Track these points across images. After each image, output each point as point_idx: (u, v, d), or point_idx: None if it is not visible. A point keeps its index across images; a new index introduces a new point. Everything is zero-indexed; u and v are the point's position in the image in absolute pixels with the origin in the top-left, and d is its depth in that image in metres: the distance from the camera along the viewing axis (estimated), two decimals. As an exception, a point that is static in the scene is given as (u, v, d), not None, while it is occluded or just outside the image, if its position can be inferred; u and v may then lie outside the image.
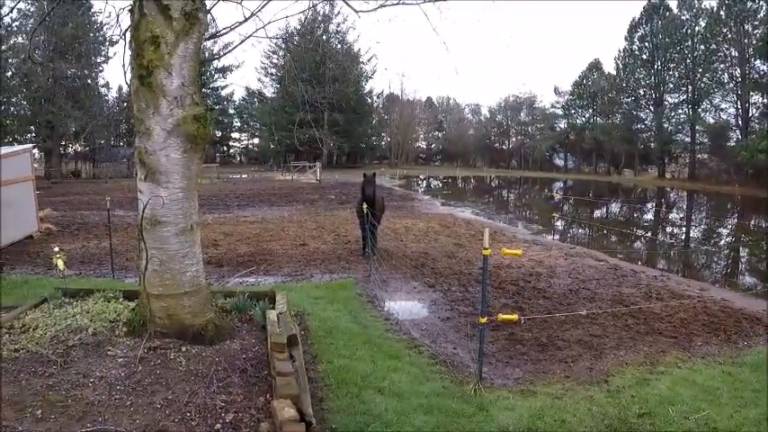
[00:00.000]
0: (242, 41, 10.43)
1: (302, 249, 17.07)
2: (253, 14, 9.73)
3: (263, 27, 10.25)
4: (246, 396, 5.59)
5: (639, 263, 20.15)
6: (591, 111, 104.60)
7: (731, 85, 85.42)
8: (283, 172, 61.77)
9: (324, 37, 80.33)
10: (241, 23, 9.62)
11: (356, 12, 10.68)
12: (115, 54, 61.51)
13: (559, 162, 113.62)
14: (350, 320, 9.61)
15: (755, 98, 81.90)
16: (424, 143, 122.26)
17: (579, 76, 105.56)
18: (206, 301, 7.23)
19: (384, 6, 10.83)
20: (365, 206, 15.42)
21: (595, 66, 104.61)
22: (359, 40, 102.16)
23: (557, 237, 26.49)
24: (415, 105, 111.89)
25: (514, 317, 8.60)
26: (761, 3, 78.19)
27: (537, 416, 6.42)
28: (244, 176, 56.67)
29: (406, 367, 7.66)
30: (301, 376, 6.07)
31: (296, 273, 14.03)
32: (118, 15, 8.56)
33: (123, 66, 7.49)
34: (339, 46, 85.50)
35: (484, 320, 7.52)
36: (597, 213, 41.81)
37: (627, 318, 11.25)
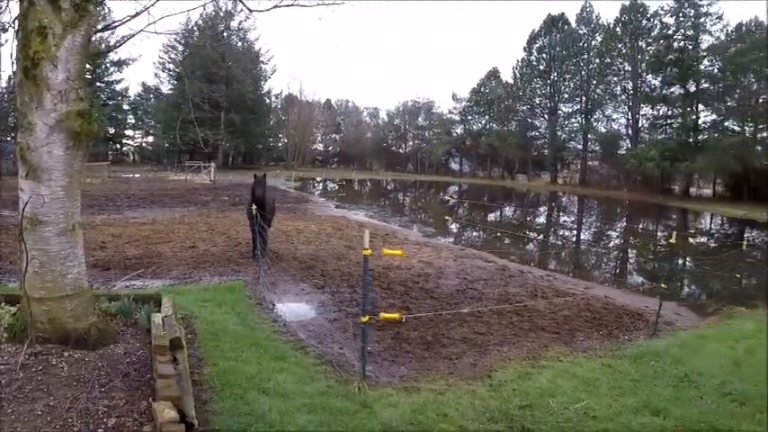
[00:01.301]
0: (131, 36, 10.28)
1: (192, 252, 16.83)
2: (145, 9, 9.56)
3: (153, 23, 10.08)
4: (129, 400, 5.55)
5: (531, 264, 20.98)
6: (487, 117, 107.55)
7: (623, 97, 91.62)
8: (177, 172, 60.25)
9: (225, 34, 79.18)
10: (132, 17, 9.44)
11: (250, 11, 10.69)
12: (6, 41, 58.14)
13: (455, 166, 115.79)
14: (237, 323, 9.58)
15: (645, 110, 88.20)
16: (321, 145, 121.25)
17: (477, 84, 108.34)
18: (89, 304, 7.05)
19: (278, 7, 10.86)
20: (255, 208, 15.35)
21: (493, 74, 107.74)
22: (260, 38, 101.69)
23: (449, 239, 27.06)
24: (314, 107, 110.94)
25: (396, 315, 8.81)
26: (655, 21, 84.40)
27: (419, 411, 6.59)
28: (137, 176, 54.85)
29: (291, 368, 7.73)
30: (184, 379, 6.04)
31: (185, 276, 13.83)
32: (8, 1, 8.26)
33: (11, 56, 7.27)
34: (240, 44, 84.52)
35: (366, 319, 7.69)
36: (491, 217, 42.97)
37: (512, 315, 11.70)
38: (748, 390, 8.01)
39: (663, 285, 12.61)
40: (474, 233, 31.48)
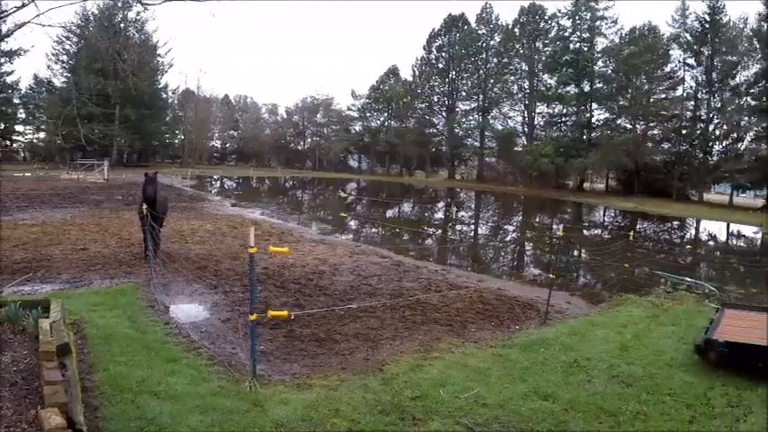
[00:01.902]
0: (19, 27, 9.88)
1: (83, 254, 16.20)
2: (31, 1, 9.18)
3: (38, 15, 9.65)
4: (17, 410, 5.30)
5: (430, 259, 21.19)
6: (386, 114, 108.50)
7: (520, 95, 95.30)
8: (69, 171, 57.87)
9: (122, 25, 76.26)
10: (19, 9, 9.06)
11: (142, 4, 10.40)
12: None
13: (354, 163, 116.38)
14: (129, 326, 9.31)
15: (541, 108, 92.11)
16: (218, 142, 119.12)
17: (376, 81, 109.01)
18: (-28, 312, 6.80)
19: (169, 0, 10.61)
20: (145, 207, 14.94)
21: (393, 72, 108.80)
22: (157, 30, 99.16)
23: (346, 236, 27.12)
24: (212, 103, 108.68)
25: (284, 313, 8.75)
26: (552, 23, 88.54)
27: (311, 407, 6.55)
28: (27, 175, 52.49)
29: (183, 370, 7.58)
30: (73, 385, 5.84)
31: (75, 279, 13.28)
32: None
33: None
34: (137, 36, 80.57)
35: (254, 318, 7.60)
36: (389, 213, 43.23)
37: (405, 310, 11.77)
38: (635, 372, 8.38)
39: (552, 276, 12.96)
40: (371, 230, 31.64)
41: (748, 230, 45.94)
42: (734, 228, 48.11)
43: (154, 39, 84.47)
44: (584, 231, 37.72)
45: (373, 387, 7.35)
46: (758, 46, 72.47)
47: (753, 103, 73.04)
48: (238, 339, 9.33)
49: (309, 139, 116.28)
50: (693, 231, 47.09)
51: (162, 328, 9.68)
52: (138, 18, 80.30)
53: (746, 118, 73.80)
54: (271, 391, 7.09)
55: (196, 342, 9.07)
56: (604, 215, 55.73)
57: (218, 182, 69.55)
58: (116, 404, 6.26)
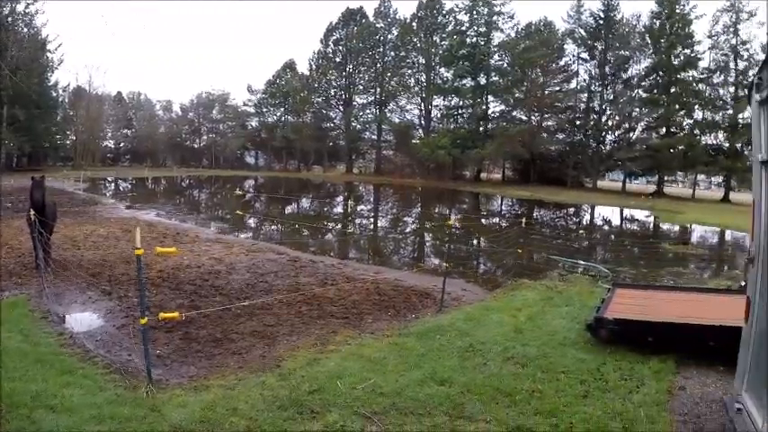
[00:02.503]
0: None
1: (-32, 268, 15.58)
2: None
3: None
4: None
5: (331, 254, 21.28)
6: (283, 109, 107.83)
7: (416, 88, 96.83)
8: (-50, 177, 54.86)
9: (9, 19, 72.25)
10: None
11: None
12: None
13: (251, 160, 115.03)
14: (21, 340, 8.95)
15: (437, 101, 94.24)
16: (112, 142, 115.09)
17: (273, 76, 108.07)
18: None
19: None
20: (33, 214, 14.39)
21: (289, 66, 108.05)
22: (47, 25, 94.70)
23: (244, 234, 26.85)
24: (104, 101, 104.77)
25: (176, 314, 8.60)
26: (450, 18, 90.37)
27: (209, 408, 6.47)
28: None
29: (79, 381, 7.35)
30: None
31: (-40, 296, 12.78)
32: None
33: None
34: (26, 30, 76.36)
35: (145, 321, 7.43)
36: (288, 209, 43.00)
37: (301, 305, 11.74)
38: (530, 352, 8.61)
39: (446, 264, 13.17)
40: (269, 227, 31.43)
41: (641, 215, 47.79)
42: (627, 213, 50.02)
43: (43, 33, 79.87)
44: (482, 220, 38.44)
45: (271, 384, 7.31)
46: (650, 42, 76.07)
47: (644, 95, 77.24)
48: (134, 345, 9.12)
49: (205, 137, 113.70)
50: (588, 217, 48.73)
51: (56, 339, 9.36)
52: (26, 11, 75.55)
53: (638, 109, 77.76)
54: (168, 396, 6.96)
55: (91, 351, 8.81)
56: (501, 204, 57.14)
57: (113, 184, 67.59)
58: (11, 421, 6.00)
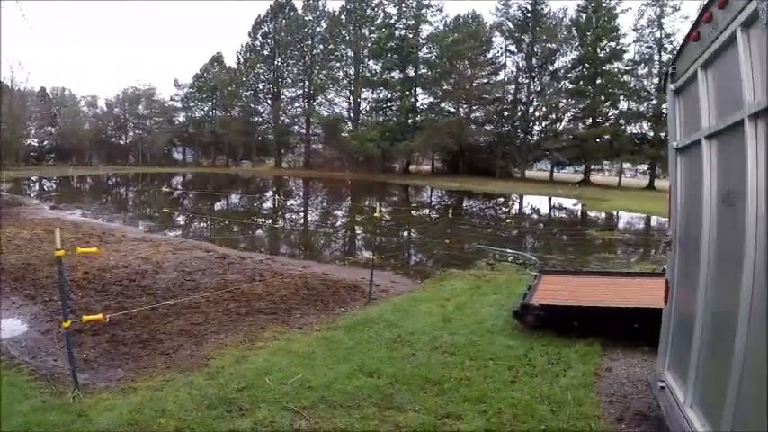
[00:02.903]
0: None
1: None
2: None
3: None
4: None
5: (261, 249, 21.20)
6: (210, 104, 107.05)
7: (345, 81, 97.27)
8: None
9: None
10: None
11: None
12: None
13: (178, 156, 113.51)
14: (-59, 352, 8.74)
15: (366, 94, 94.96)
16: (35, 140, 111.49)
17: (200, 70, 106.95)
18: None
19: None
20: None
21: (217, 59, 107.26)
22: None
23: (172, 232, 26.48)
24: (27, 97, 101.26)
25: (100, 316, 8.43)
26: (379, 11, 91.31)
27: (137, 410, 6.36)
28: None
29: (4, 389, 7.15)
30: None
31: None
32: None
33: None
34: None
35: (68, 324, 7.27)
36: (217, 206, 42.62)
37: (229, 302, 11.62)
38: (458, 341, 8.69)
39: (374, 256, 13.24)
40: (198, 224, 31.11)
41: (568, 203, 48.72)
42: (555, 201, 50.97)
43: None
44: (412, 212, 38.69)
45: (199, 383, 7.23)
46: (576, 34, 77.75)
47: (570, 86, 79.23)
48: (60, 350, 8.92)
49: (132, 133, 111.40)
50: (517, 206, 49.50)
51: (-22, 350, 9.13)
52: None
53: (564, 100, 79.56)
54: (95, 400, 6.82)
55: (16, 358, 8.57)
56: (431, 195, 57.58)
57: (37, 184, 65.79)
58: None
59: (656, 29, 74.51)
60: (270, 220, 34.15)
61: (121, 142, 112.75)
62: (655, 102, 72.32)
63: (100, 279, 13.96)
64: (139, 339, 9.39)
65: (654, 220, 36.34)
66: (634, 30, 76.49)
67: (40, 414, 6.37)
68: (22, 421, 6.15)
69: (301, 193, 59.04)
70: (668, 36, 73.18)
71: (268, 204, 45.79)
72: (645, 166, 78.68)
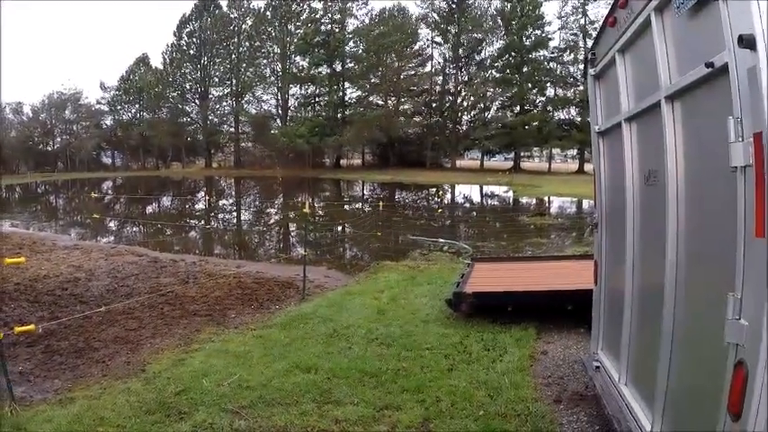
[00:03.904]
0: None
1: None
2: None
3: None
4: None
5: (196, 251, 21.00)
6: (138, 106, 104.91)
7: (273, 78, 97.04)
8: None
9: None
10: None
11: None
12: None
13: (108, 160, 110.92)
14: None
15: (294, 90, 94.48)
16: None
17: (126, 71, 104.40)
18: None
19: None
20: None
21: (143, 60, 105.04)
22: None
23: (103, 239, 26.03)
24: None
25: (32, 327, 8.22)
26: (304, 6, 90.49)
27: (75, 420, 6.22)
28: None
29: (-67, 407, 6.99)
30: None
31: None
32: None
33: None
34: None
35: (0, 337, 7.12)
36: (148, 209, 42.00)
37: (163, 306, 11.45)
38: (393, 332, 8.71)
39: (305, 252, 13.22)
40: (130, 229, 30.63)
41: (500, 191, 49.32)
42: (486, 189, 51.52)
43: None
44: (344, 206, 38.71)
45: (136, 389, 7.11)
46: (502, 24, 78.65)
47: (497, 75, 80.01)
48: (-5, 365, 8.69)
49: (59, 138, 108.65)
50: (449, 196, 49.87)
51: None
52: None
53: (492, 89, 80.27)
54: (32, 413, 6.65)
55: (-53, 374, 8.36)
56: (363, 189, 57.70)
57: (-38, 195, 63.80)
58: None
59: (580, 16, 76.15)
60: (202, 221, 33.83)
61: (49, 149, 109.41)
62: (581, 87, 73.55)
63: (32, 289, 13.62)
64: (75, 349, 9.19)
65: (585, 204, 37.03)
66: (559, 17, 78.08)
67: (-24, 430, 6.21)
68: (-45, 439, 6.00)
69: (233, 193, 58.61)
70: (592, 23, 74.31)
71: (200, 205, 45.31)
72: (574, 151, 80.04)
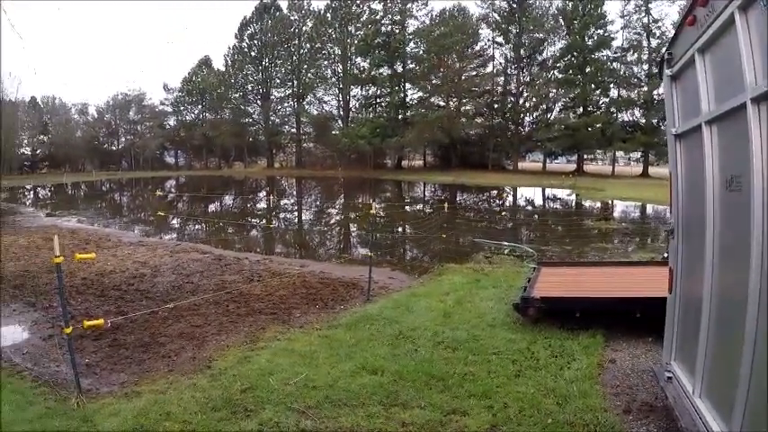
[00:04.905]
0: None
1: None
2: None
3: None
4: None
5: (256, 250, 21.21)
6: (200, 107, 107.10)
7: (334, 79, 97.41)
8: None
9: None
10: None
11: None
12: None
13: (171, 160, 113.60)
14: (-56, 359, 8.68)
15: (355, 91, 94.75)
16: (28, 149, 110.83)
17: (189, 73, 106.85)
18: None
19: None
20: None
21: (205, 62, 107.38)
22: None
23: (167, 236, 26.46)
24: (18, 106, 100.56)
25: (100, 322, 8.39)
26: (364, 7, 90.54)
27: (141, 414, 6.31)
28: None
29: (8, 396, 7.08)
30: None
31: None
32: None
33: None
34: None
35: (69, 331, 7.23)
36: (211, 207, 42.62)
37: (228, 303, 11.61)
38: (459, 336, 8.65)
39: (370, 253, 13.22)
40: (193, 226, 31.10)
41: (563, 193, 48.72)
42: (549, 192, 50.97)
43: None
44: (406, 207, 38.71)
45: (202, 385, 7.19)
46: (563, 23, 77.53)
47: (559, 76, 78.57)
48: (62, 356, 8.87)
49: (123, 138, 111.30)
50: (511, 198, 49.48)
51: (-19, 355, 9.08)
52: None
53: (554, 90, 79.06)
54: (99, 405, 6.78)
55: (19, 365, 8.53)
56: (424, 190, 57.57)
57: (31, 192, 65.64)
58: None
59: (643, 14, 74.22)
60: (264, 220, 34.14)
61: (113, 148, 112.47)
62: (645, 88, 72.20)
63: (99, 284, 13.94)
64: (141, 343, 9.36)
65: (649, 208, 36.37)
66: (621, 16, 76.31)
67: (44, 421, 6.33)
68: (27, 428, 6.11)
69: (294, 192, 59.08)
70: (656, 21, 72.62)
71: (262, 204, 45.79)
72: (638, 154, 78.61)
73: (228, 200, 49.27)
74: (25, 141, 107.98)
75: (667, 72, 5.62)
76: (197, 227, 30.90)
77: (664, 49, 5.85)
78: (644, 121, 73.42)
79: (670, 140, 5.68)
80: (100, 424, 6.20)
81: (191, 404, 6.58)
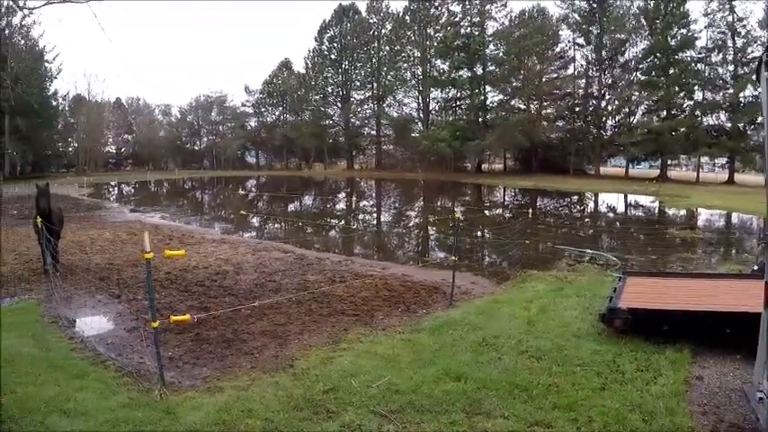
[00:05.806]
0: None
1: (-21, 273, 15.48)
2: None
3: None
4: None
5: (335, 250, 21.41)
6: (281, 108, 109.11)
7: (413, 82, 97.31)
8: (-42, 187, 54.41)
9: (6, 32, 72.08)
10: None
11: (20, 8, 9.98)
12: None
13: (251, 160, 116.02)
14: (32, 345, 8.91)
15: (435, 93, 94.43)
16: (113, 147, 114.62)
17: (269, 75, 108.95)
18: None
19: (51, 3, 10.22)
20: (40, 220, 14.42)
21: (285, 65, 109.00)
22: (44, 35, 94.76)
23: (249, 234, 26.91)
24: (104, 107, 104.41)
25: (186, 317, 8.55)
26: (443, 9, 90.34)
27: (224, 410, 6.42)
28: None
29: (92, 384, 7.30)
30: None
31: (-28, 300, 12.68)
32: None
33: None
34: (23, 42, 76.30)
35: (156, 324, 7.40)
36: (291, 207, 43.15)
37: (311, 303, 11.72)
38: (544, 345, 8.53)
39: (453, 257, 13.14)
40: (274, 225, 31.57)
41: (645, 200, 47.66)
42: (631, 198, 49.91)
43: (40, 44, 79.57)
44: (486, 212, 38.45)
45: (285, 383, 7.27)
46: (645, 23, 75.65)
47: (642, 78, 76.64)
48: (145, 348, 9.08)
49: (205, 138, 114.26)
50: (593, 205, 48.64)
51: (67, 343, 9.33)
52: (23, 23, 75.94)
53: (637, 92, 77.24)
54: (182, 398, 6.92)
55: (102, 355, 8.78)
56: (504, 194, 57.14)
57: (116, 188, 67.63)
58: (26, 426, 6.02)
59: (727, 12, 71.51)
60: (344, 221, 34.37)
61: (196, 148, 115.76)
62: (731, 91, 69.72)
63: (182, 279, 14.26)
64: (223, 339, 9.51)
65: (735, 218, 35.28)
66: (705, 15, 73.34)
67: (127, 410, 6.49)
68: (110, 417, 6.27)
69: (374, 194, 59.33)
70: (741, 20, 69.62)
71: (341, 205, 46.14)
72: (723, 160, 76.08)
73: (308, 200, 49.78)
74: (110, 140, 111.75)
75: (765, 74, 5.42)
76: (277, 226, 31.32)
77: (761, 51, 5.63)
78: (729, 125, 70.70)
79: (767, 146, 5.49)
80: (182, 417, 6.32)
81: (273, 402, 6.65)
